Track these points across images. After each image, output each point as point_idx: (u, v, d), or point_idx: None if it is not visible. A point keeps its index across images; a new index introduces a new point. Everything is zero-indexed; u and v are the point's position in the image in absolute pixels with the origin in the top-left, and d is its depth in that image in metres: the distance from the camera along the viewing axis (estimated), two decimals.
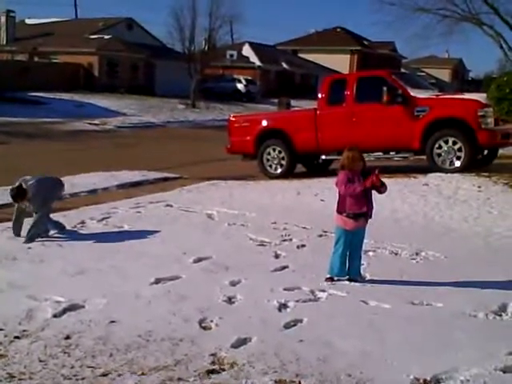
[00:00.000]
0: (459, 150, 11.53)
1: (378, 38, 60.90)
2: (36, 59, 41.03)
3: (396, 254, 6.90)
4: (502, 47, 19.88)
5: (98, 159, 15.97)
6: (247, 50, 52.83)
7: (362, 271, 5.99)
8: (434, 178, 11.14)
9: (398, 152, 12.44)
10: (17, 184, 7.52)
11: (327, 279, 5.78)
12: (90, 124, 27.26)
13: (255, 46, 53.79)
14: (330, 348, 4.26)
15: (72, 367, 3.98)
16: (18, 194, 7.47)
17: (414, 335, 4.51)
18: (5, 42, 43.69)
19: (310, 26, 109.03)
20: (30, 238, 7.43)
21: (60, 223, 7.98)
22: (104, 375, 3.86)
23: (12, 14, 45.13)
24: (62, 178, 11.32)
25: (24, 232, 7.58)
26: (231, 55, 47.78)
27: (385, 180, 9.75)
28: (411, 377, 3.81)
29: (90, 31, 43.14)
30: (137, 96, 38.04)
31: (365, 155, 12.94)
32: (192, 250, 6.91)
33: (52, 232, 7.80)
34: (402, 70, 42.17)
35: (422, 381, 3.79)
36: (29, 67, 37.16)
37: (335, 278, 5.79)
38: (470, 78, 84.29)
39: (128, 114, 31.64)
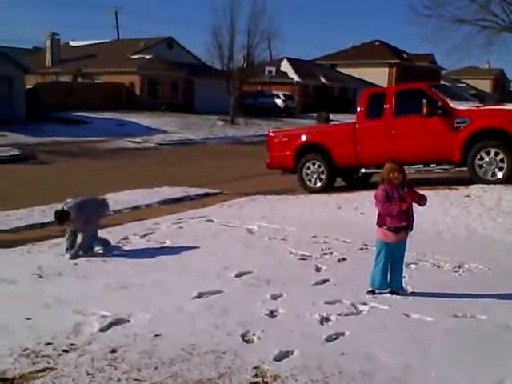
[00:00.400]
0: (501, 160, 11.35)
1: (417, 51, 60.52)
2: (80, 80, 42.10)
3: (438, 266, 6.85)
4: None
5: (139, 176, 16.27)
6: (285, 66, 53.09)
7: (403, 284, 5.96)
8: (475, 189, 10.99)
9: (439, 164, 12.31)
10: (60, 207, 7.79)
11: (369, 292, 5.77)
12: (132, 142, 27.79)
13: (293, 62, 54.03)
14: (373, 361, 4.26)
15: (118, 380, 4.07)
16: (61, 216, 7.75)
17: (458, 348, 4.47)
18: (50, 64, 44.95)
19: (348, 40, 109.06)
20: (74, 255, 7.67)
21: (105, 239, 8.20)
22: None
23: (57, 37, 46.46)
24: (105, 196, 11.62)
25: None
26: (269, 71, 48.09)
27: (426, 192, 9.70)
28: None
29: (132, 51, 44.09)
30: (177, 113, 38.62)
31: (405, 168, 12.89)
32: (233, 264, 6.98)
33: (97, 248, 8.01)
34: (442, 82, 41.71)
35: None
36: (73, 88, 38.17)
37: (377, 291, 5.78)
38: (511, 89, 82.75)
39: (168, 132, 32.14)
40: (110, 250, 8.01)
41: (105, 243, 8.14)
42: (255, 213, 10.53)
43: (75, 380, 4.07)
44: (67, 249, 7.84)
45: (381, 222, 5.71)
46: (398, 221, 5.63)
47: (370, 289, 5.79)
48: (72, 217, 7.69)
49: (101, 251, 7.97)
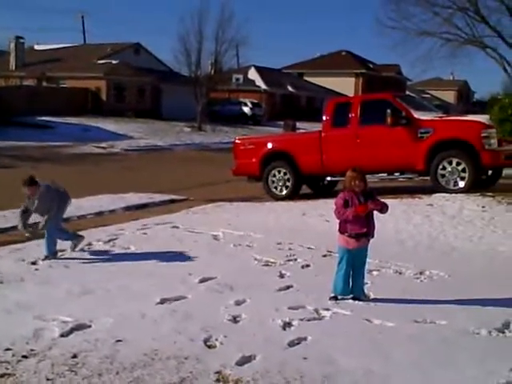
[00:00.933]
0: (463, 170, 11.60)
1: (384, 61, 61.45)
2: (44, 84, 41.55)
3: (400, 273, 6.94)
4: (505, 70, 20.05)
5: (104, 182, 16.11)
6: (253, 74, 53.31)
7: (365, 290, 6.03)
8: (438, 198, 11.19)
9: (403, 173, 12.52)
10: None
11: (331, 298, 5.82)
12: (97, 147, 27.53)
13: (261, 70, 54.29)
14: (334, 366, 4.30)
15: None
16: (31, 182, 7.65)
17: (417, 353, 4.54)
18: (14, 68, 44.28)
19: (316, 50, 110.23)
20: (48, 251, 7.68)
21: (75, 233, 8.26)
22: None
23: (21, 41, 45.83)
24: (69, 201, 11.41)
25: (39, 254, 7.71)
26: (237, 79, 48.25)
27: (389, 200, 9.82)
28: None
29: (98, 56, 43.71)
30: (144, 119, 38.41)
31: (369, 176, 13.06)
32: (197, 270, 6.97)
33: (71, 242, 8.05)
34: (407, 93, 42.39)
35: None
36: (37, 92, 37.63)
37: (339, 297, 5.83)
38: (475, 100, 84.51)
39: (135, 138, 31.93)
40: (73, 255, 7.93)
41: (74, 235, 8.07)
42: (221, 219, 10.53)
43: None
44: (22, 225, 7.78)
45: (342, 229, 5.78)
46: (358, 227, 5.71)
47: (332, 295, 5.85)
48: (39, 190, 7.58)
49: (65, 255, 7.88)
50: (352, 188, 5.71)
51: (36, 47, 50.20)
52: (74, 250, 8.07)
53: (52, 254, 7.75)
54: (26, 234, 8.08)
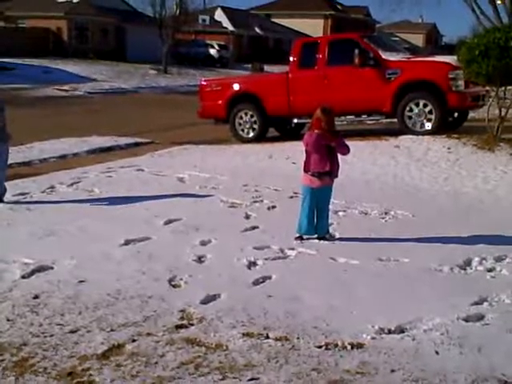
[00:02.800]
0: (430, 112, 11.58)
1: (352, 3, 60.78)
2: (2, 24, 39.96)
3: (366, 213, 6.98)
4: (473, 10, 19.90)
5: (68, 125, 15.73)
6: (220, 15, 52.14)
7: (331, 230, 6.05)
8: (404, 140, 11.21)
9: (370, 115, 12.45)
10: None
11: (296, 238, 5.83)
12: (60, 90, 26.79)
13: (228, 11, 53.11)
14: (298, 303, 4.33)
15: (40, 325, 3.98)
16: None
17: (381, 289, 4.60)
18: None
19: None
20: None
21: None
22: (72, 332, 3.87)
23: None
24: (30, 144, 11.18)
25: None
26: (203, 20, 47.14)
27: (356, 142, 9.84)
28: (376, 327, 3.90)
29: None
30: (107, 61, 37.42)
31: (336, 119, 12.97)
32: (162, 212, 6.90)
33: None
34: (374, 33, 42.01)
35: (386, 330, 3.88)
36: None
37: (304, 237, 5.84)
38: (443, 43, 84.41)
39: (98, 80, 31.14)
40: (35, 198, 7.75)
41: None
42: (186, 162, 10.40)
43: None
44: None
45: (306, 168, 5.76)
46: (321, 166, 5.68)
47: (297, 235, 5.85)
48: None
49: (27, 199, 7.70)
50: (319, 127, 5.64)
51: None
52: None
53: None
54: None
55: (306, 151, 5.78)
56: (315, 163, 5.66)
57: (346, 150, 5.81)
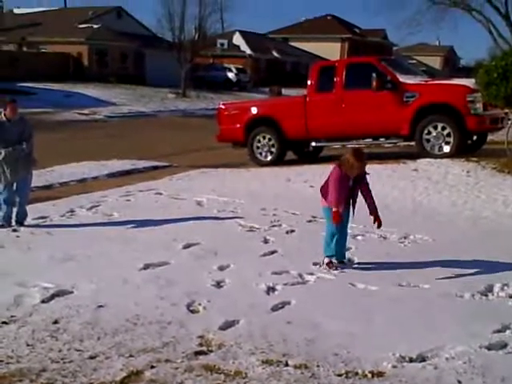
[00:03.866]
0: (448, 135, 11.55)
1: (369, 26, 60.95)
2: (25, 49, 40.74)
3: (384, 238, 6.93)
4: (491, 33, 19.90)
5: (87, 149, 15.91)
6: (238, 39, 52.63)
7: (350, 255, 6.02)
8: (423, 163, 11.17)
9: (388, 138, 12.45)
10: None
11: (328, 263, 5.70)
12: (80, 114, 27.15)
13: (246, 35, 53.59)
14: (318, 329, 4.29)
15: (60, 351, 3.99)
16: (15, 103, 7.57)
17: (401, 316, 4.54)
18: None
19: (301, 15, 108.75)
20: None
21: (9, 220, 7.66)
22: (92, 358, 3.87)
23: (0, 4, 44.76)
24: (50, 168, 11.30)
25: None
26: (222, 44, 47.66)
27: (375, 166, 9.83)
28: (397, 355, 3.85)
29: (80, 20, 42.83)
30: (127, 85, 37.89)
31: (354, 142, 12.96)
32: (181, 236, 6.92)
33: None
34: (392, 57, 42.13)
35: (407, 358, 3.83)
36: (17, 57, 36.89)
37: (333, 260, 5.72)
38: (460, 66, 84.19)
39: (118, 104, 31.52)
40: (55, 222, 7.82)
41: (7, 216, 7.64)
42: (205, 185, 10.44)
43: (14, 351, 3.97)
44: None
45: (324, 195, 5.72)
46: (339, 202, 5.63)
47: (326, 260, 5.72)
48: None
49: (47, 222, 7.78)
50: (348, 171, 5.55)
51: (16, 11, 49.04)
52: None
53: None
54: None
55: (329, 183, 5.71)
56: (336, 199, 5.61)
57: (371, 200, 5.73)
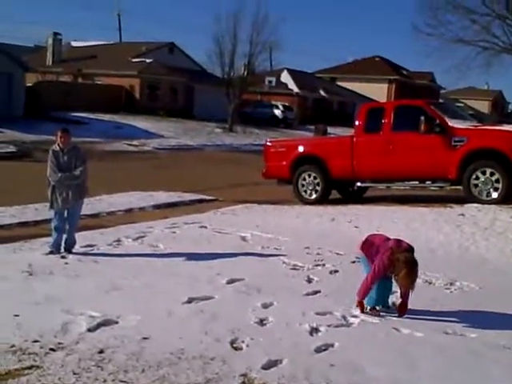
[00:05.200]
0: (497, 181, 11.39)
1: (418, 69, 60.88)
2: (80, 80, 42.10)
3: (430, 283, 6.83)
4: None
5: (135, 179, 16.24)
6: (285, 77, 53.25)
7: (394, 299, 5.94)
8: (470, 208, 11.01)
9: (435, 181, 12.35)
10: None
11: (371, 309, 5.63)
12: (129, 145, 27.78)
13: (293, 73, 54.20)
14: (361, 374, 4.24)
15: (104, 381, 4.04)
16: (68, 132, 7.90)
17: (446, 364, 4.46)
18: (51, 63, 44.93)
19: (349, 55, 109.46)
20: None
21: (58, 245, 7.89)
22: None
23: (59, 37, 46.51)
24: (99, 197, 11.56)
25: None
26: (270, 81, 48.28)
27: (420, 209, 9.71)
28: None
29: (133, 55, 44.14)
30: (175, 119, 38.64)
31: (400, 184, 12.85)
32: (225, 271, 6.96)
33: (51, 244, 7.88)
34: (441, 100, 41.90)
35: None
36: (73, 88, 38.14)
37: (377, 308, 5.65)
38: (509, 110, 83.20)
39: (166, 136, 32.14)
40: (101, 251, 7.99)
41: (56, 243, 7.87)
42: (249, 221, 10.51)
43: (61, 379, 4.04)
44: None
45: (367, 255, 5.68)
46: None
47: (368, 307, 5.63)
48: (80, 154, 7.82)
49: (94, 251, 7.95)
50: (394, 271, 5.35)
51: (73, 44, 50.87)
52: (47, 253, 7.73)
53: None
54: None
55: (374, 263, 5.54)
56: (364, 293, 5.53)
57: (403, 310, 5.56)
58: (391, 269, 5.36)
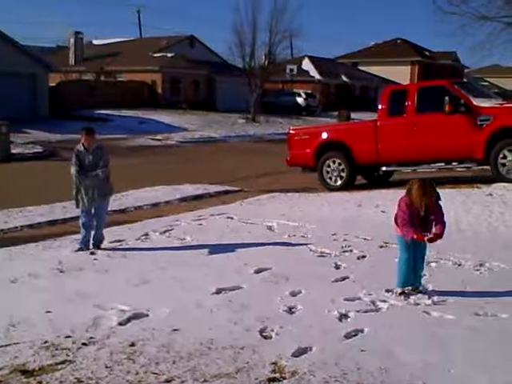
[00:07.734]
0: None
1: (440, 49, 59.99)
2: (102, 78, 42.39)
3: (459, 264, 6.76)
4: None
5: (160, 173, 16.32)
6: (307, 64, 52.92)
7: (424, 282, 5.90)
8: (498, 188, 10.86)
9: (461, 162, 12.18)
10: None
11: (400, 293, 5.60)
12: (153, 140, 27.91)
13: (315, 60, 53.82)
14: (392, 358, 4.22)
15: (137, 373, 4.09)
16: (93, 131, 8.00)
17: (478, 347, 4.41)
18: (73, 63, 45.29)
19: (370, 38, 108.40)
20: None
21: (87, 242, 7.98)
22: (167, 381, 3.95)
23: (80, 36, 46.82)
24: (125, 192, 11.65)
25: None
26: (291, 69, 47.96)
27: (448, 190, 9.61)
28: None
29: (154, 50, 44.25)
30: (198, 111, 38.70)
31: (426, 166, 12.68)
32: (252, 260, 6.98)
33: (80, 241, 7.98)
34: (464, 80, 41.28)
35: None
36: (95, 86, 38.43)
37: (406, 291, 5.61)
38: None
39: (189, 130, 32.22)
40: (130, 245, 8.06)
41: (85, 240, 7.96)
42: (275, 210, 10.51)
43: (94, 373, 4.10)
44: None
45: (397, 223, 5.64)
46: (411, 232, 5.52)
47: (399, 290, 5.61)
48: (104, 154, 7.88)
49: (122, 245, 8.02)
50: (415, 203, 5.46)
51: (94, 42, 51.19)
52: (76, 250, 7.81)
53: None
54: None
55: (397, 212, 5.63)
56: (402, 229, 5.53)
57: (441, 229, 5.56)
58: (410, 200, 5.47)
